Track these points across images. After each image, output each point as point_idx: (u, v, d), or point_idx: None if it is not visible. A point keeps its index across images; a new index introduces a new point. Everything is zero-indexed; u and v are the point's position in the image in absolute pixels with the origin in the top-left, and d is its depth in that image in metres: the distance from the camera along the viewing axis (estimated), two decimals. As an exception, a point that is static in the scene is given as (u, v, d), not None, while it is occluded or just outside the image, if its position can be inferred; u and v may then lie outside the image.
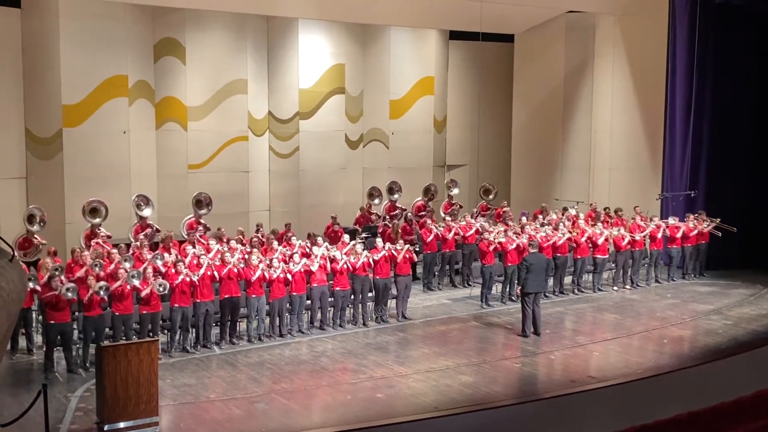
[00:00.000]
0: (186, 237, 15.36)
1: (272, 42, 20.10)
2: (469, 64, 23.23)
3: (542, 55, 22.06)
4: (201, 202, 16.44)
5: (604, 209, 18.23)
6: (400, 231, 17.00)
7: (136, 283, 12.07)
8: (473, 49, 22.59)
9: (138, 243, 14.25)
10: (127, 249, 13.90)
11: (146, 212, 15.94)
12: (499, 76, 23.34)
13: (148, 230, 15.50)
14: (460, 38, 22.86)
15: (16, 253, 4.96)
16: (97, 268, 12.42)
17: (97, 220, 15.28)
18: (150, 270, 12.44)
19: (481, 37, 19.37)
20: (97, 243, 14.23)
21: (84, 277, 12.27)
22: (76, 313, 12.00)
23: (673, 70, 18.63)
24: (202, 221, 16.08)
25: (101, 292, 11.72)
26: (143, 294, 12.12)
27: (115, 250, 13.54)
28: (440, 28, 22.58)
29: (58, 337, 11.56)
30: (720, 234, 17.37)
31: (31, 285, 11.82)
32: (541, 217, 17.79)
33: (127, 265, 12.38)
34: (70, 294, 11.54)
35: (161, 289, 12.20)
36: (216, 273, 12.75)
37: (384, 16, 20.56)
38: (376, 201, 19.08)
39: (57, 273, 11.78)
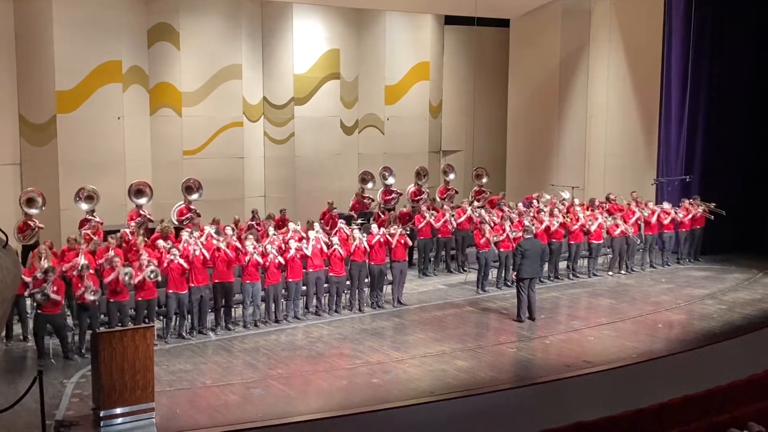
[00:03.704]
0: (177, 224, 15.35)
1: (267, 27, 20.02)
2: (465, 49, 23.19)
3: (538, 40, 22.00)
4: (191, 188, 16.41)
5: (607, 198, 18.20)
6: (398, 218, 16.96)
7: (129, 281, 11.95)
8: (469, 34, 22.55)
9: (130, 230, 14.22)
10: (121, 241, 13.77)
11: (142, 201, 15.92)
12: (495, 61, 23.28)
13: (139, 218, 15.44)
14: (456, 23, 22.80)
15: (9, 240, 4.95)
16: (83, 270, 12.14)
17: (86, 206, 15.18)
18: (146, 258, 12.36)
19: (476, 22, 19.29)
20: (86, 234, 14.09)
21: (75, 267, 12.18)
22: (71, 301, 11.98)
23: (669, 55, 18.59)
24: (192, 207, 16.06)
25: (90, 296, 11.64)
26: (135, 281, 12.07)
27: (112, 240, 13.42)
28: (436, 13, 22.50)
29: (47, 325, 11.45)
30: (713, 217, 17.40)
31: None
32: (536, 202, 17.78)
33: (123, 270, 12.17)
34: (48, 292, 11.30)
35: (152, 275, 12.14)
36: (205, 252, 12.66)
37: (379, 1, 20.48)
38: (369, 185, 19.07)
39: (43, 293, 11.43)
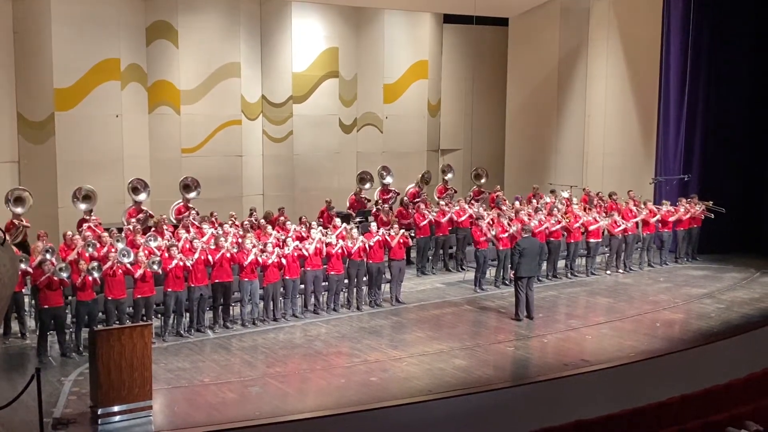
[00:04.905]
0: (175, 222, 15.32)
1: (265, 25, 20.00)
2: (464, 47, 23.19)
3: (537, 38, 22.01)
4: (189, 186, 16.40)
5: (597, 194, 18.22)
6: (396, 216, 16.94)
7: (126, 261, 12.00)
8: (467, 32, 22.56)
9: (131, 227, 14.22)
10: (119, 233, 13.87)
11: (142, 197, 15.90)
12: (494, 60, 23.28)
13: (141, 215, 15.44)
14: (455, 22, 22.80)
15: (7, 238, 4.94)
16: (90, 248, 12.39)
17: (84, 206, 15.17)
18: (142, 255, 12.37)
19: (475, 20, 19.30)
20: (89, 227, 14.18)
21: (76, 260, 12.22)
22: (69, 298, 11.97)
23: (668, 53, 18.60)
24: (190, 205, 16.04)
25: (94, 273, 11.66)
26: (137, 275, 12.07)
27: (105, 234, 13.50)
28: (434, 12, 22.50)
29: (51, 321, 11.53)
30: (713, 216, 17.40)
31: (22, 266, 11.77)
32: (534, 201, 17.77)
33: (120, 245, 12.32)
34: (64, 274, 11.47)
35: (155, 267, 12.15)
36: (210, 257, 12.72)
37: (378, -1, 20.48)
38: (367, 186, 19.05)
39: (48, 255, 11.72)
